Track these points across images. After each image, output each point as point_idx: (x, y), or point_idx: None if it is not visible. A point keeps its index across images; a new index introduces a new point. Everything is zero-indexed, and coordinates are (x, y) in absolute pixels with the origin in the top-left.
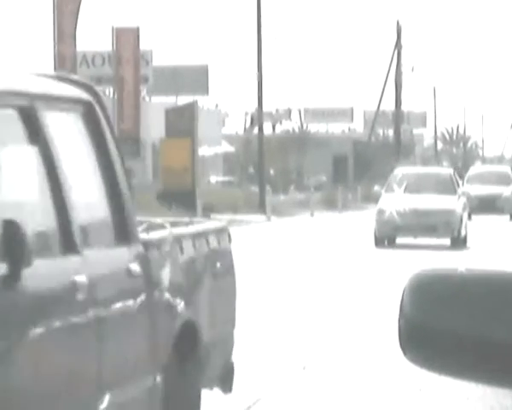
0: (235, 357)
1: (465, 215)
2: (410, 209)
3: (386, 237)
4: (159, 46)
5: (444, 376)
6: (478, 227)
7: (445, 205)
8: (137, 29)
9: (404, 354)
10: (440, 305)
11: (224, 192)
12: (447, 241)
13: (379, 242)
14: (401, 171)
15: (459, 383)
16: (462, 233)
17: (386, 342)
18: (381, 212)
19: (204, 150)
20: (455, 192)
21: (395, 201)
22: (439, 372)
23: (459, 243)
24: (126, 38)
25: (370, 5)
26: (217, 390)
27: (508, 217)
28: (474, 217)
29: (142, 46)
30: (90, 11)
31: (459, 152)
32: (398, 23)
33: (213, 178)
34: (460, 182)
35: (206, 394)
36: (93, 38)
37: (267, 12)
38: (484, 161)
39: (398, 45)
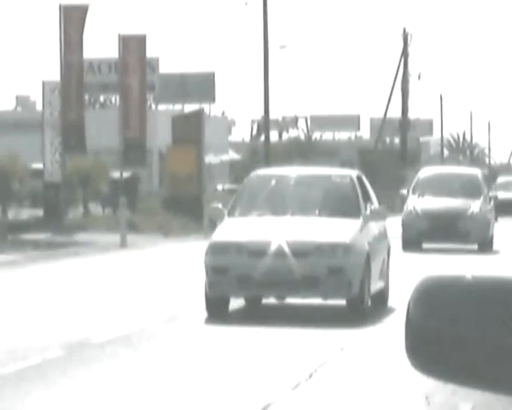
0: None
1: (380, 254)
2: (269, 248)
3: (221, 299)
4: (165, 54)
5: (450, 384)
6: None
7: (333, 237)
8: (144, 36)
9: (410, 360)
10: (447, 311)
11: (230, 200)
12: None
13: (212, 308)
14: (261, 173)
15: (465, 391)
16: (372, 288)
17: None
18: (215, 250)
19: (210, 158)
20: (358, 213)
21: (241, 230)
22: (446, 380)
23: (362, 308)
24: (133, 46)
25: (377, 13)
26: (229, 397)
27: (476, 246)
28: (425, 246)
29: (149, 54)
30: (96, 19)
31: (466, 159)
32: (404, 31)
33: (220, 186)
34: (373, 195)
35: (213, 398)
36: (99, 45)
37: (274, 20)
38: (490, 168)
39: (404, 53)
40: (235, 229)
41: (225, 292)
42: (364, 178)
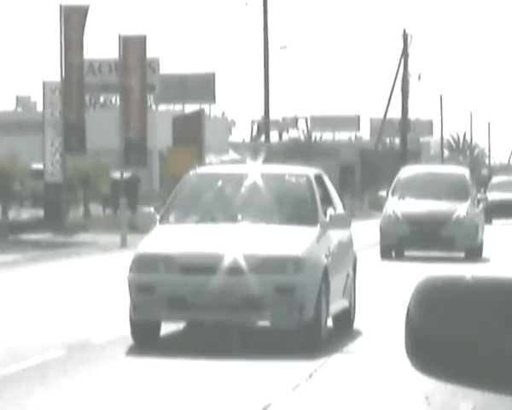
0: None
1: (342, 269)
2: (206, 262)
3: (149, 323)
4: (166, 54)
5: (450, 384)
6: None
7: (283, 249)
8: (144, 37)
9: (411, 361)
10: (447, 312)
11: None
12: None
13: (138, 335)
14: (202, 171)
15: (465, 392)
16: (333, 309)
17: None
18: (141, 264)
19: (211, 158)
20: (314, 220)
21: (173, 240)
22: (446, 380)
23: (318, 335)
24: (133, 46)
25: (377, 13)
26: (228, 398)
27: (462, 254)
28: (407, 254)
29: (149, 54)
30: (96, 19)
31: (466, 160)
32: (404, 31)
33: None
34: (336, 197)
35: (214, 397)
36: (100, 46)
37: (274, 20)
38: (490, 169)
39: (404, 53)
40: (167, 239)
41: (153, 316)
42: (326, 178)
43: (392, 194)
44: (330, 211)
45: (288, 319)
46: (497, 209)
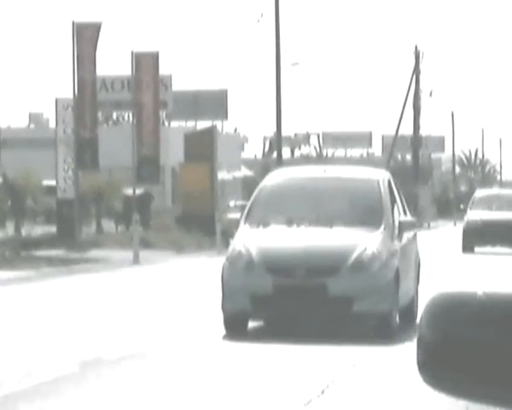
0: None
1: None
2: None
3: None
4: (178, 71)
5: (463, 400)
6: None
7: None
8: (157, 54)
9: (422, 376)
10: (458, 328)
11: None
12: None
13: None
14: None
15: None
16: None
17: None
18: None
19: (223, 175)
20: None
21: None
22: (458, 396)
23: None
24: (146, 63)
25: (389, 30)
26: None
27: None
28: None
29: (162, 71)
30: (109, 36)
31: (477, 176)
32: (416, 48)
33: (232, 202)
34: None
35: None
36: (113, 62)
37: (286, 37)
38: (502, 185)
39: (416, 70)
40: None
41: None
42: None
43: (247, 218)
44: None
45: None
46: (480, 233)
